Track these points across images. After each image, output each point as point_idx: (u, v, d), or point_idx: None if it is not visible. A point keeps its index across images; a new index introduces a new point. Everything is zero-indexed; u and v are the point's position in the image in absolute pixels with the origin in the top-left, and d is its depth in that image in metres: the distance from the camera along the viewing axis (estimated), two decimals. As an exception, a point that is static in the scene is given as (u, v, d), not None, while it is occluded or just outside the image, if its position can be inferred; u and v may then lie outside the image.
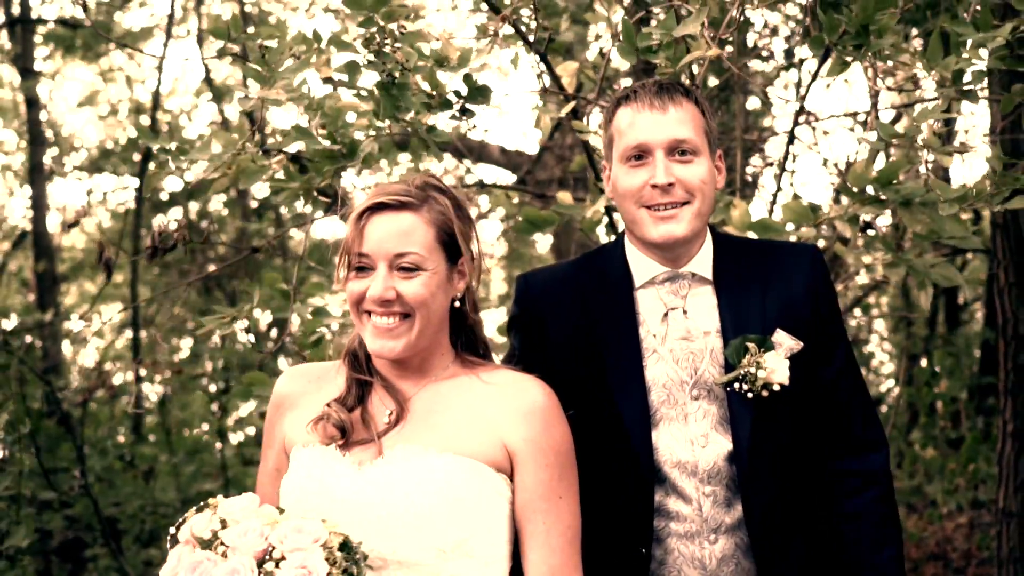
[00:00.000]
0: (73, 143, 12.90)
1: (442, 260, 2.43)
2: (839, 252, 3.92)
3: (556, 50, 4.61)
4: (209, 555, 2.14)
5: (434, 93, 3.27)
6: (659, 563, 2.65)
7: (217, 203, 10.99)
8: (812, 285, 2.71)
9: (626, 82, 6.49)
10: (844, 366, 2.73)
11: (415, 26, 3.28)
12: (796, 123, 4.42)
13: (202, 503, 2.25)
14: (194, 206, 10.78)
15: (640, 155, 2.64)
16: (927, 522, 7.90)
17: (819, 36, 3.27)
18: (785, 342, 2.60)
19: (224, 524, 2.18)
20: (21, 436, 5.54)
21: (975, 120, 7.97)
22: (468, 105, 3.33)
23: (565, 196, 4.01)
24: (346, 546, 2.18)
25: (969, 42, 3.15)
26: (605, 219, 4.08)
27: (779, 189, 4.63)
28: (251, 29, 3.53)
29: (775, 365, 2.56)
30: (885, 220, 4.51)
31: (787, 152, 4.60)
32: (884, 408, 9.71)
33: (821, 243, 4.42)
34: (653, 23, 3.52)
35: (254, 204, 10.89)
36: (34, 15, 10.90)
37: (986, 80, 3.41)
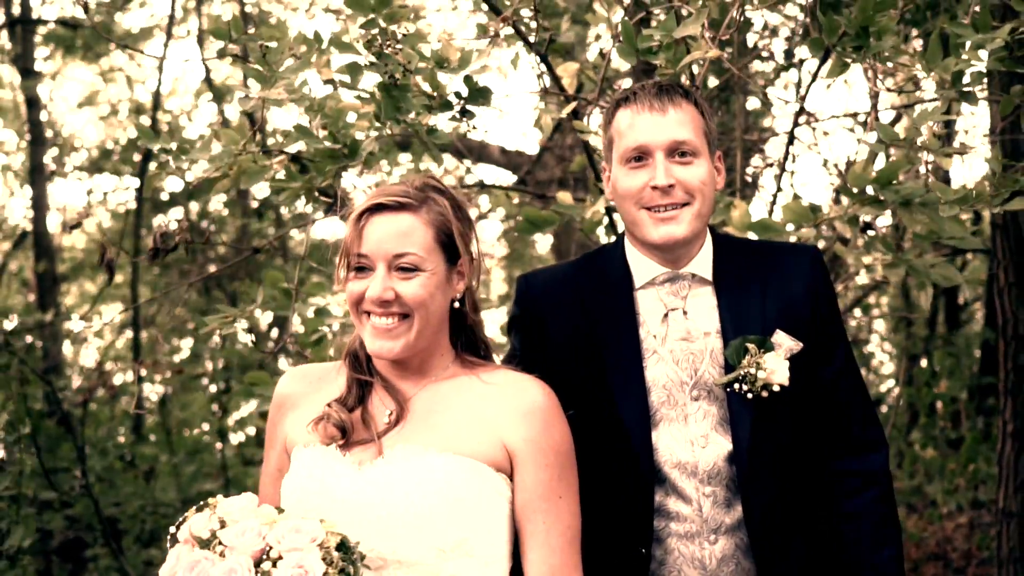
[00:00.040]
0: (73, 143, 12.90)
1: (441, 261, 2.44)
2: (839, 252, 3.92)
3: (557, 51, 4.61)
4: (207, 554, 2.15)
5: (435, 94, 3.27)
6: (659, 563, 2.66)
7: (217, 203, 10.99)
8: (812, 286, 2.71)
9: (626, 82, 6.49)
10: (844, 366, 2.73)
11: (416, 26, 3.28)
12: (796, 123, 4.42)
13: (202, 503, 2.26)
14: (194, 206, 10.78)
15: (640, 157, 2.64)
16: (927, 522, 7.91)
17: (818, 39, 3.28)
18: (785, 343, 2.60)
19: (223, 524, 2.19)
20: (21, 436, 5.55)
21: (975, 120, 7.97)
22: (468, 106, 3.33)
23: (565, 196, 4.01)
24: (343, 546, 2.19)
25: (968, 43, 3.15)
26: (605, 219, 4.08)
27: (779, 190, 4.64)
28: (251, 29, 3.53)
29: (775, 366, 2.57)
30: (885, 220, 4.51)
31: (787, 152, 4.61)
32: (884, 408, 9.71)
33: (821, 243, 4.43)
34: (653, 24, 3.53)
35: (254, 204, 10.89)
36: (35, 15, 10.91)
37: (985, 81, 3.41)
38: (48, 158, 11.68)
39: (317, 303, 3.87)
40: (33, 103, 10.78)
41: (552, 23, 4.60)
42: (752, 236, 3.64)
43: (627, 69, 6.07)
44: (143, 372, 9.04)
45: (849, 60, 3.30)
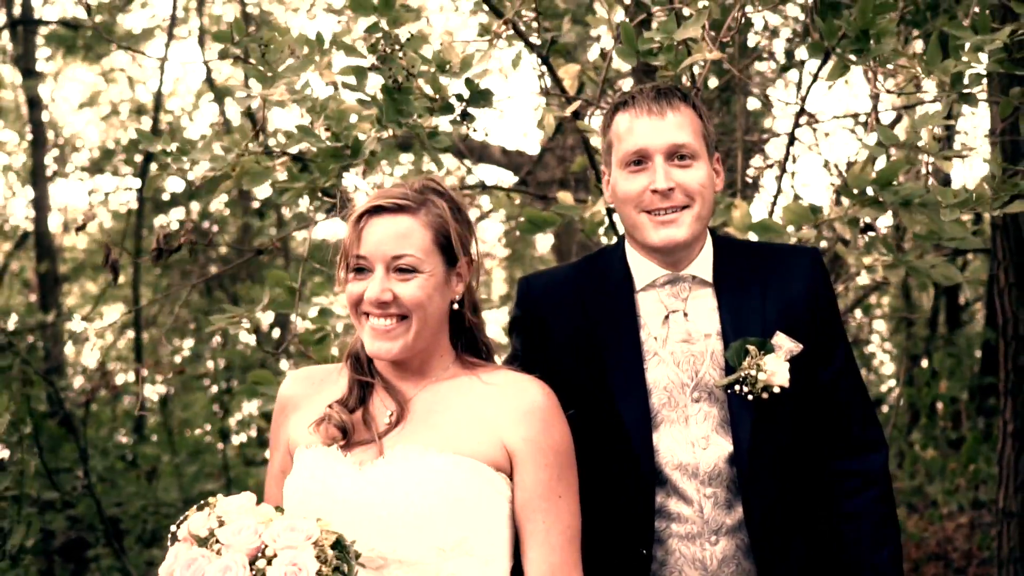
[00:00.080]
0: (75, 144, 12.91)
1: (439, 263, 2.45)
2: (840, 253, 3.93)
3: (558, 51, 4.62)
4: (204, 552, 2.17)
5: (436, 97, 3.28)
6: (660, 564, 2.66)
7: (219, 203, 10.99)
8: (812, 287, 2.72)
9: (627, 83, 6.50)
10: (843, 367, 2.74)
11: (417, 26, 3.29)
12: (797, 124, 4.42)
13: (202, 502, 2.28)
14: (195, 206, 10.78)
15: (639, 160, 2.65)
16: (928, 522, 7.91)
17: (818, 43, 3.29)
18: (785, 344, 2.61)
19: (221, 522, 2.21)
20: (23, 437, 5.55)
21: (976, 121, 7.98)
22: (470, 109, 3.34)
23: (566, 197, 4.02)
24: (339, 544, 2.21)
25: (967, 45, 3.16)
26: (606, 220, 4.09)
27: (779, 191, 4.64)
28: (252, 29, 3.54)
29: (775, 367, 2.58)
30: (886, 220, 4.52)
31: (787, 153, 4.61)
32: (885, 408, 9.71)
33: (823, 244, 4.43)
34: (654, 25, 3.54)
35: (255, 204, 10.90)
36: (36, 16, 10.92)
37: (985, 83, 3.42)
38: (49, 159, 11.69)
39: (320, 303, 3.88)
40: (34, 103, 10.80)
41: (553, 23, 4.61)
42: (753, 237, 3.64)
43: (628, 69, 6.08)
44: (145, 373, 9.06)
45: (849, 63, 3.31)
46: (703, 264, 2.73)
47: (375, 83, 3.33)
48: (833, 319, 2.76)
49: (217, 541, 2.17)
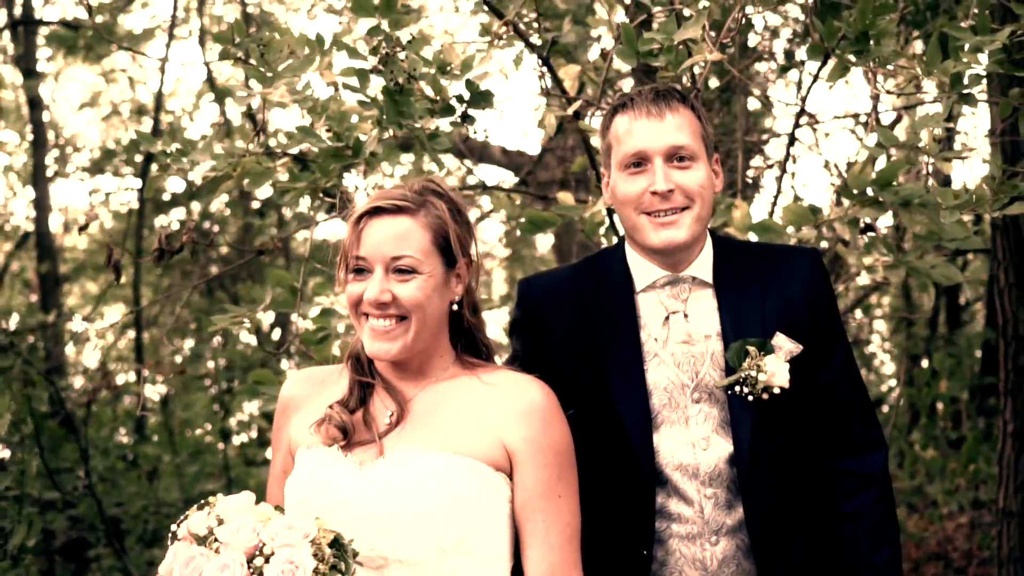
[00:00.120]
0: (76, 144, 12.92)
1: (438, 264, 2.46)
2: (840, 253, 3.93)
3: (559, 51, 4.63)
4: (202, 550, 2.19)
5: (437, 98, 3.29)
6: (660, 564, 2.67)
7: (219, 203, 11.00)
8: (811, 288, 2.73)
9: (628, 83, 6.50)
10: (843, 367, 2.75)
11: (418, 26, 3.30)
12: (797, 124, 4.43)
13: (202, 501, 2.29)
14: (196, 206, 10.79)
15: (639, 162, 2.66)
16: (928, 522, 7.92)
17: (818, 45, 3.29)
18: (785, 345, 2.62)
19: (220, 521, 2.22)
20: (24, 437, 5.56)
21: (976, 121, 7.98)
22: (471, 110, 3.35)
23: (566, 197, 4.03)
24: (337, 543, 2.22)
25: (967, 46, 3.16)
26: (606, 220, 4.10)
27: (779, 191, 4.64)
28: (253, 30, 3.55)
29: (775, 368, 2.58)
30: (886, 221, 4.52)
31: (788, 154, 4.61)
32: (885, 408, 9.72)
33: (824, 244, 4.44)
34: (654, 26, 3.54)
35: (256, 204, 10.90)
36: (37, 16, 10.92)
37: (985, 83, 3.42)
38: (50, 159, 11.70)
39: (322, 302, 3.89)
40: (35, 104, 10.80)
41: (553, 24, 4.62)
42: (753, 237, 3.65)
43: (628, 70, 6.08)
44: (146, 373, 9.06)
45: (849, 64, 3.32)
46: (703, 265, 2.73)
47: (376, 84, 3.34)
48: (833, 319, 2.76)
49: (216, 540, 2.19)
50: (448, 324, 2.56)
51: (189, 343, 10.90)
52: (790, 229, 3.64)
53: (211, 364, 9.66)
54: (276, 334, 10.41)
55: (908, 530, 7.49)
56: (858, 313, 8.52)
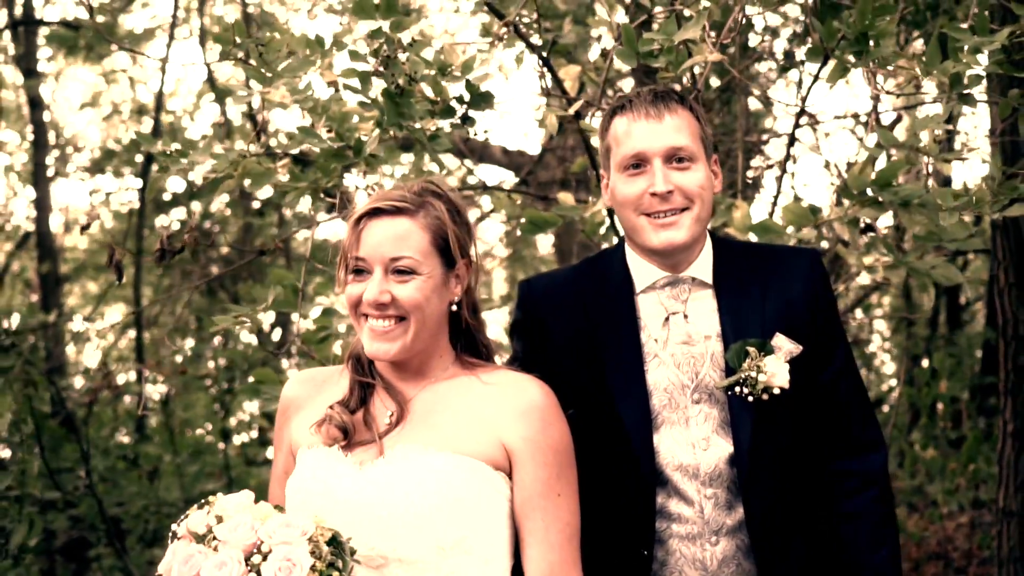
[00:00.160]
0: (76, 144, 12.92)
1: (438, 264, 2.47)
2: (840, 253, 3.93)
3: (559, 52, 4.63)
4: (201, 548, 2.20)
5: (437, 99, 3.30)
6: (660, 564, 2.67)
7: (220, 203, 11.00)
8: (811, 288, 2.73)
9: (628, 83, 6.51)
10: (843, 367, 2.75)
11: (419, 26, 3.30)
12: (797, 125, 4.43)
13: (202, 501, 2.30)
14: (196, 206, 10.79)
15: (638, 164, 2.67)
16: (928, 522, 7.91)
17: (817, 46, 3.29)
18: (784, 346, 2.62)
19: (220, 520, 2.23)
20: (24, 437, 5.57)
21: (977, 120, 7.98)
22: (471, 111, 3.35)
23: (567, 197, 4.04)
24: (334, 541, 2.23)
25: (966, 47, 3.17)
26: (607, 220, 4.10)
27: (779, 191, 4.65)
28: (254, 30, 3.55)
29: (775, 369, 2.59)
30: (887, 221, 4.52)
31: (788, 154, 4.62)
32: (885, 408, 9.72)
33: (824, 244, 4.44)
34: (655, 26, 3.54)
35: (256, 204, 10.91)
36: (37, 16, 10.93)
37: (984, 84, 3.42)
38: (51, 159, 11.70)
39: (324, 302, 3.89)
40: (36, 104, 10.81)
41: (554, 24, 4.62)
42: (753, 238, 3.65)
43: (628, 69, 6.08)
44: (147, 373, 9.07)
45: (848, 65, 3.32)
46: (703, 266, 2.74)
47: (377, 85, 3.34)
48: (833, 320, 2.77)
49: (215, 538, 2.20)
50: (448, 324, 2.57)
51: (190, 343, 10.90)
52: (790, 229, 3.65)
53: (211, 364, 9.66)
54: (277, 334, 10.41)
55: (908, 530, 7.49)
56: (858, 313, 8.52)
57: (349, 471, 2.41)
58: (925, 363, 9.42)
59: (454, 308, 2.54)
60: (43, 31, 11.12)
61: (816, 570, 2.72)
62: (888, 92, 3.42)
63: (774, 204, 4.78)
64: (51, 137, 12.04)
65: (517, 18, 3.61)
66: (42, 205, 10.80)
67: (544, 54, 3.95)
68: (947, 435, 8.59)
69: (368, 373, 2.56)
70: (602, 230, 4.19)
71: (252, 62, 3.43)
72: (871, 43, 3.24)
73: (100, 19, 9.64)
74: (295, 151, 3.64)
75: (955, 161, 3.55)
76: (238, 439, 9.80)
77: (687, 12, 3.47)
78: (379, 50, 3.20)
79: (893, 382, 10.68)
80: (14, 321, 7.63)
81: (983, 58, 3.19)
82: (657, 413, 2.67)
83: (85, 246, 13.48)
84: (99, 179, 12.28)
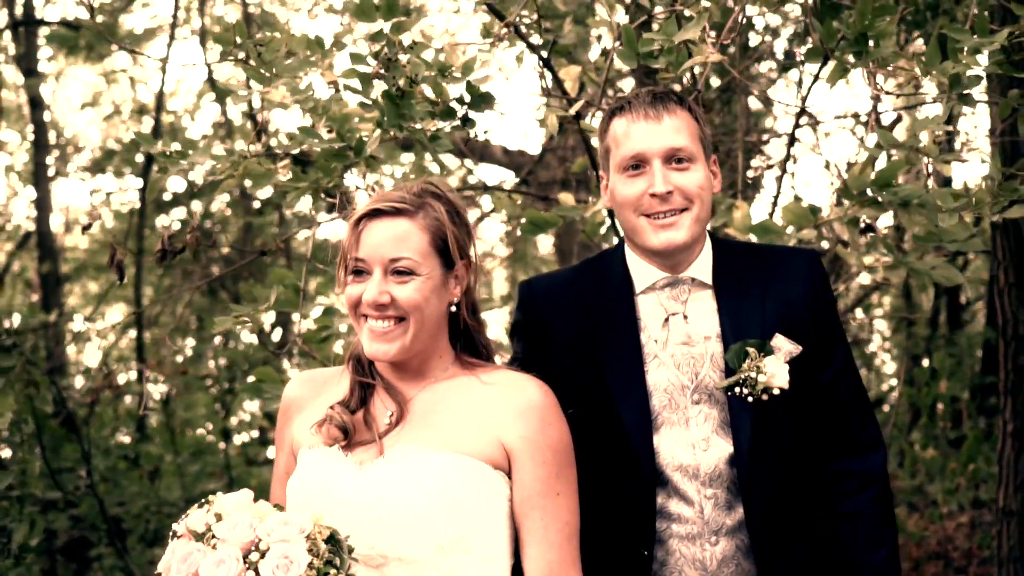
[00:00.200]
0: (77, 144, 12.93)
1: (437, 265, 2.48)
2: (840, 254, 3.94)
3: (559, 52, 4.64)
4: (199, 546, 2.21)
5: (438, 101, 3.30)
6: (660, 564, 2.68)
7: (220, 203, 11.01)
8: (811, 289, 2.74)
9: (628, 83, 6.51)
10: (843, 368, 2.76)
11: (420, 26, 3.31)
12: (797, 125, 4.44)
13: (203, 500, 2.31)
14: (197, 206, 10.80)
15: (637, 165, 2.67)
16: (928, 521, 7.92)
17: (816, 48, 3.30)
18: (784, 346, 2.62)
19: (219, 518, 2.24)
20: (24, 437, 5.57)
21: (977, 120, 7.98)
22: (471, 113, 3.36)
23: (567, 198, 4.04)
24: (333, 539, 2.24)
25: (966, 48, 3.17)
26: (607, 220, 4.11)
27: (779, 192, 4.66)
28: (254, 30, 3.56)
29: (775, 369, 2.59)
30: (887, 221, 4.53)
31: (788, 154, 4.62)
32: (886, 408, 9.72)
33: (824, 244, 4.45)
34: (655, 27, 3.55)
35: (257, 204, 10.91)
36: (38, 16, 10.93)
37: (984, 84, 3.43)
38: (51, 159, 11.71)
39: (325, 302, 3.90)
40: (36, 104, 10.81)
41: (554, 24, 4.62)
42: (753, 238, 3.66)
43: (629, 69, 6.08)
44: (148, 374, 9.08)
45: (848, 65, 3.32)
46: (702, 266, 2.74)
47: (377, 86, 3.35)
48: (832, 320, 2.77)
49: (213, 536, 2.21)
50: (447, 325, 2.57)
51: (190, 343, 10.91)
52: (790, 229, 3.65)
53: (212, 364, 9.67)
54: (277, 334, 10.41)
55: (908, 529, 7.49)
56: (858, 313, 8.53)
57: (349, 471, 2.42)
58: (925, 363, 9.42)
59: (453, 309, 2.55)
60: (43, 31, 11.12)
61: (816, 570, 2.73)
62: (888, 92, 3.43)
63: (774, 204, 4.79)
64: (51, 137, 12.05)
65: (517, 18, 3.62)
66: (43, 205, 10.81)
67: (544, 54, 3.96)
68: (947, 435, 8.59)
69: (368, 373, 2.57)
70: (602, 230, 4.20)
71: (252, 63, 3.43)
72: (871, 43, 3.24)
73: (100, 19, 9.65)
74: (295, 151, 3.65)
75: (955, 162, 3.55)
76: (239, 439, 9.81)
77: (687, 12, 3.47)
78: (380, 52, 3.20)
79: (893, 382, 10.68)
80: (15, 321, 7.64)
81: (983, 58, 3.20)
82: (657, 413, 2.67)
83: (86, 246, 13.49)
84: (99, 179, 12.29)
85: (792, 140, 4.52)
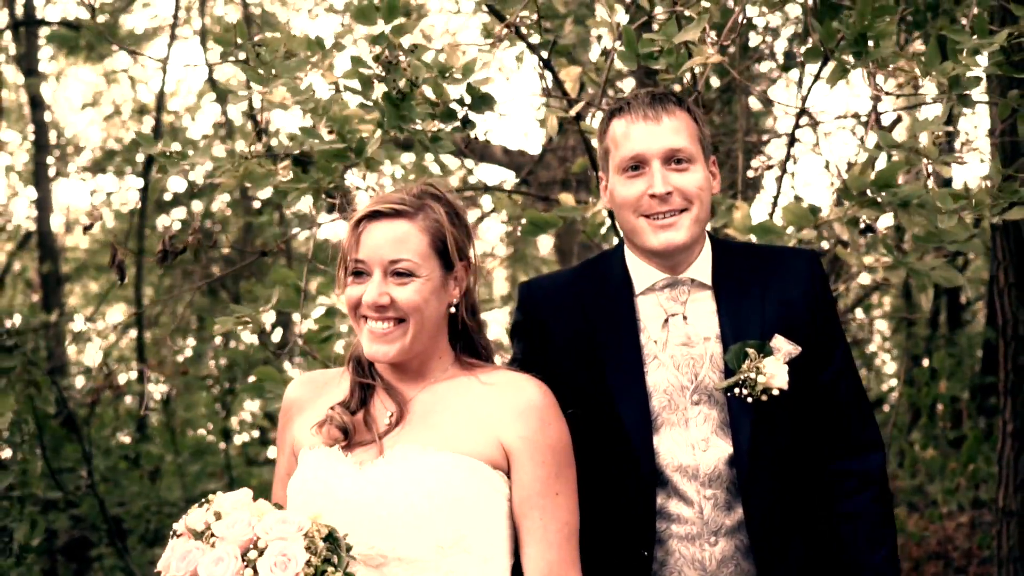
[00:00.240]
0: (77, 144, 12.93)
1: (436, 267, 2.49)
2: (840, 255, 3.94)
3: (559, 52, 4.64)
4: (198, 544, 2.22)
5: (438, 102, 3.31)
6: (660, 564, 2.68)
7: (220, 203, 11.01)
8: (810, 289, 2.74)
9: (629, 83, 6.51)
10: (842, 368, 2.76)
11: (419, 27, 3.31)
12: (797, 125, 4.44)
13: (203, 499, 2.32)
14: (197, 206, 10.80)
15: (637, 166, 2.68)
16: (928, 521, 7.92)
17: (816, 48, 3.30)
18: (783, 347, 2.63)
19: (218, 517, 2.25)
20: (25, 437, 5.57)
21: (978, 120, 7.98)
22: (471, 114, 3.36)
23: (567, 199, 4.04)
24: (331, 537, 2.25)
25: (965, 49, 3.17)
26: (607, 221, 4.11)
27: (779, 192, 4.66)
28: (255, 31, 3.57)
29: (774, 370, 2.59)
30: (887, 221, 4.53)
31: (788, 154, 4.63)
32: (886, 408, 9.72)
33: (824, 245, 4.45)
34: (655, 27, 3.55)
35: (257, 204, 10.91)
36: (38, 16, 10.93)
37: (984, 85, 3.43)
38: (51, 159, 11.71)
39: (326, 302, 3.90)
40: (37, 104, 10.82)
41: (554, 24, 4.63)
42: (753, 239, 3.66)
43: (629, 69, 6.08)
44: (149, 374, 9.08)
45: (848, 66, 3.33)
46: (702, 267, 2.75)
47: (378, 88, 3.35)
48: (831, 321, 2.78)
49: (212, 535, 2.22)
50: (447, 326, 2.58)
51: (191, 343, 10.92)
52: (790, 230, 3.65)
53: (213, 364, 9.67)
54: (278, 334, 10.41)
55: (908, 529, 7.49)
56: (858, 313, 8.53)
57: (349, 471, 2.43)
58: (925, 363, 9.42)
59: (453, 310, 2.55)
60: (44, 31, 11.13)
61: (815, 570, 2.73)
62: (888, 93, 3.43)
63: (774, 204, 4.79)
64: (52, 137, 12.05)
65: (517, 19, 3.62)
66: (43, 205, 10.81)
67: (544, 55, 3.96)
68: (947, 435, 8.59)
69: (368, 374, 2.58)
70: (603, 231, 4.20)
71: (251, 64, 3.44)
72: (870, 44, 3.25)
73: (101, 19, 9.65)
74: (296, 151, 3.65)
75: (954, 164, 3.55)
76: (239, 439, 9.81)
77: (687, 13, 3.47)
78: (380, 55, 3.21)
79: (893, 382, 10.68)
80: (16, 321, 7.64)
81: (982, 59, 3.20)
82: (657, 414, 2.67)
83: (86, 246, 13.49)
84: (100, 179, 12.29)
85: (792, 140, 4.53)
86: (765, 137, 6.41)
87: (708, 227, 2.87)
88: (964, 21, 3.30)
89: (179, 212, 11.24)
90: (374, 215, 2.48)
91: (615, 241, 4.18)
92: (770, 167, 6.60)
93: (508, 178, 8.51)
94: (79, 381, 9.63)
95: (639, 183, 2.67)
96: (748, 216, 3.73)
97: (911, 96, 3.73)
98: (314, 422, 2.53)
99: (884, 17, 3.25)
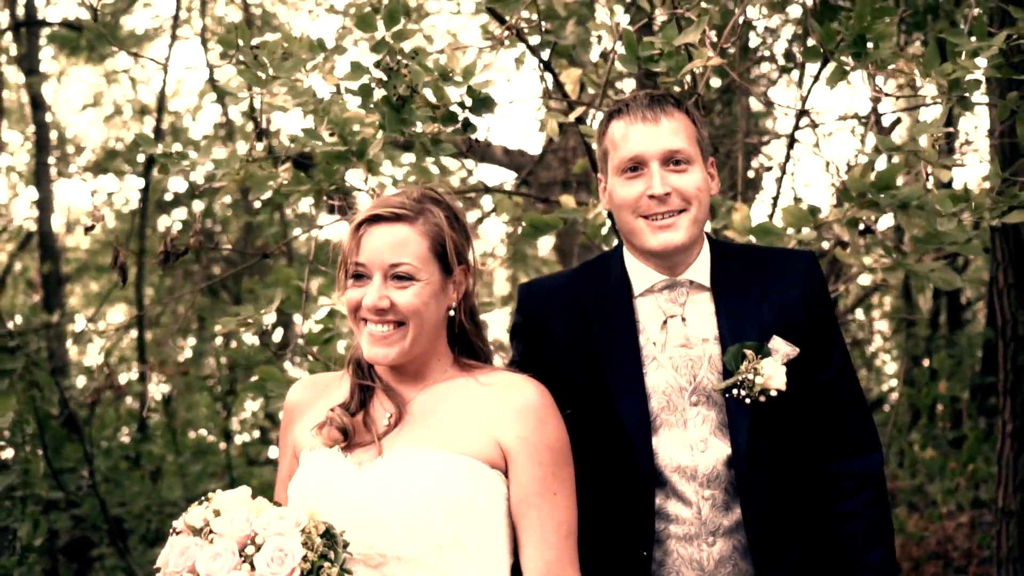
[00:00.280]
0: (78, 144, 12.94)
1: (436, 271, 2.50)
2: (839, 256, 3.95)
3: (560, 53, 4.65)
4: (196, 540, 2.24)
5: (439, 105, 3.31)
6: (658, 564, 2.69)
7: (221, 203, 11.01)
8: (808, 291, 2.75)
9: (629, 83, 6.52)
10: (840, 369, 2.77)
11: (418, 26, 3.32)
12: (797, 126, 4.45)
13: (203, 497, 2.34)
14: (198, 206, 10.80)
15: (635, 167, 2.68)
16: (928, 521, 7.92)
17: (815, 48, 3.31)
18: (782, 348, 2.64)
19: (217, 514, 2.27)
20: (27, 437, 5.58)
21: (978, 121, 7.98)
22: (472, 117, 3.37)
23: (568, 200, 4.05)
24: (328, 534, 2.26)
25: (964, 51, 3.18)
26: (607, 222, 4.12)
27: (779, 192, 4.67)
28: (255, 31, 3.57)
29: (772, 371, 2.60)
30: (887, 222, 4.54)
31: (788, 155, 4.63)
32: (886, 408, 9.72)
33: (824, 245, 4.46)
34: (655, 29, 3.56)
35: (258, 204, 10.91)
36: (39, 17, 10.94)
37: (984, 86, 3.44)
38: (52, 159, 11.72)
39: (327, 303, 3.91)
40: (37, 104, 10.83)
41: (554, 24, 4.64)
42: (753, 240, 3.67)
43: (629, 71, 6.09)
44: (150, 374, 9.09)
45: (847, 67, 3.33)
46: (700, 269, 2.75)
47: (378, 91, 3.36)
48: (829, 322, 2.78)
49: (211, 531, 2.24)
50: (446, 328, 2.60)
51: (192, 343, 10.93)
52: (790, 230, 3.66)
53: (213, 364, 9.68)
54: (278, 334, 10.42)
55: (908, 529, 7.49)
56: (858, 313, 8.53)
57: (349, 472, 2.44)
58: (925, 363, 9.42)
59: (452, 313, 2.57)
60: (45, 31, 11.14)
61: (813, 570, 2.73)
62: (887, 94, 3.44)
63: (774, 205, 4.79)
64: (53, 137, 12.06)
65: (518, 20, 3.63)
66: (44, 205, 10.83)
67: (544, 56, 3.97)
68: (947, 435, 8.60)
69: (368, 376, 2.59)
70: (603, 232, 4.20)
71: (249, 63, 3.45)
72: (870, 45, 3.25)
73: (103, 18, 9.65)
74: (297, 153, 3.66)
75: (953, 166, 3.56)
76: (240, 439, 9.82)
77: (687, 14, 3.48)
78: (381, 61, 3.22)
79: (893, 382, 10.69)
80: (18, 322, 7.65)
81: (982, 61, 3.20)
82: (656, 415, 2.68)
83: (87, 246, 13.50)
84: (101, 179, 12.29)
85: (792, 141, 4.53)
86: (765, 138, 6.42)
87: (708, 228, 2.87)
88: (963, 24, 3.30)
89: (180, 212, 11.24)
90: (374, 219, 2.49)
91: (615, 242, 4.19)
92: (770, 168, 6.61)
93: (508, 178, 8.52)
94: (80, 381, 9.64)
95: (638, 184, 2.68)
96: (748, 217, 3.74)
97: (911, 97, 3.74)
98: (315, 424, 2.54)
99: (884, 18, 3.25)
